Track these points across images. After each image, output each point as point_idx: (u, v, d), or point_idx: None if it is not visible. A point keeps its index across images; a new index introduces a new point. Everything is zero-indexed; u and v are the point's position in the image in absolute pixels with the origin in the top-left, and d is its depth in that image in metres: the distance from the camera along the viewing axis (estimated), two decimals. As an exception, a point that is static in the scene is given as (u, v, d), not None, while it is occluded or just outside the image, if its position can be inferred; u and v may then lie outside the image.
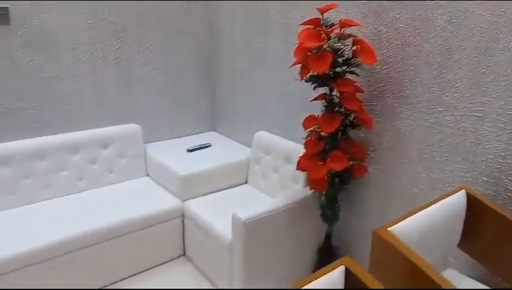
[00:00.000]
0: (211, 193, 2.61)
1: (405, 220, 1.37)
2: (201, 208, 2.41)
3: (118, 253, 2.28)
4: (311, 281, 1.08)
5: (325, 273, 1.12)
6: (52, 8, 2.36)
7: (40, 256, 1.99)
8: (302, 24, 1.84)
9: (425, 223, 1.43)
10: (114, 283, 2.31)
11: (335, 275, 1.11)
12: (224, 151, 2.87)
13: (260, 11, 2.59)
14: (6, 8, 2.23)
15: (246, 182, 2.79)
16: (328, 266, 1.17)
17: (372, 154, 2.10)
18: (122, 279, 2.35)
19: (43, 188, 2.43)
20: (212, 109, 3.27)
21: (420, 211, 1.43)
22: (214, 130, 3.33)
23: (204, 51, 3.09)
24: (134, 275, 2.40)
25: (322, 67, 1.74)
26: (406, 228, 1.35)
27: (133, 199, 2.50)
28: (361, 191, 2.20)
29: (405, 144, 1.93)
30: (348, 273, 1.15)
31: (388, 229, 1.30)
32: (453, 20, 1.64)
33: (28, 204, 2.38)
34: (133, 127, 2.78)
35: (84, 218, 2.22)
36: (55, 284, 2.07)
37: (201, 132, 3.27)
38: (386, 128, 2.00)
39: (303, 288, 1.04)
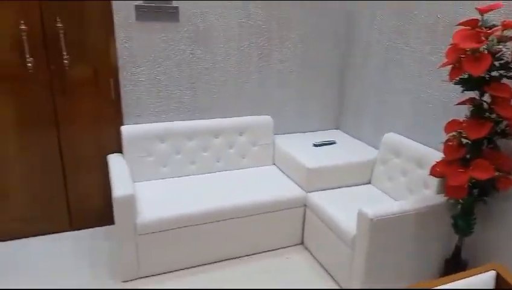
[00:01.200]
0: (334, 188, 2.68)
1: None
2: (324, 200, 2.51)
3: (242, 231, 2.51)
4: (459, 279, 1.08)
5: (473, 275, 1.11)
6: (212, 9, 2.70)
7: (186, 222, 2.33)
8: (459, 24, 1.79)
9: None
10: (235, 258, 2.55)
11: (486, 277, 1.09)
12: (349, 149, 2.92)
13: (403, 11, 2.56)
14: (177, 7, 2.63)
15: (369, 183, 2.80)
16: (474, 269, 1.16)
17: (522, 168, 1.93)
18: (244, 256, 2.58)
19: (189, 164, 2.81)
20: (340, 108, 3.33)
21: None
22: (338, 128, 3.39)
23: (339, 50, 3.17)
24: (254, 254, 2.61)
25: (478, 70, 1.67)
26: None
27: (261, 184, 2.72)
28: (502, 206, 2.04)
29: None
30: (498, 279, 1.12)
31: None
32: None
33: (177, 177, 2.78)
34: (266, 119, 3.01)
35: (218, 196, 2.51)
36: (190, 246, 2.39)
37: (326, 129, 3.36)
38: (544, 141, 1.82)
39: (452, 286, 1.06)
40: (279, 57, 3.00)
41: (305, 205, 2.65)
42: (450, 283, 1.05)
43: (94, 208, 2.80)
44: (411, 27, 2.51)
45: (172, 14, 2.64)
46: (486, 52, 1.70)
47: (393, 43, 2.67)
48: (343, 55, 3.19)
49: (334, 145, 3.00)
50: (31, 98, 2.48)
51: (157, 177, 2.73)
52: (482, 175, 1.80)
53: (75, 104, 2.59)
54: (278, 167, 3.02)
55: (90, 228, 2.83)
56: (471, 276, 1.06)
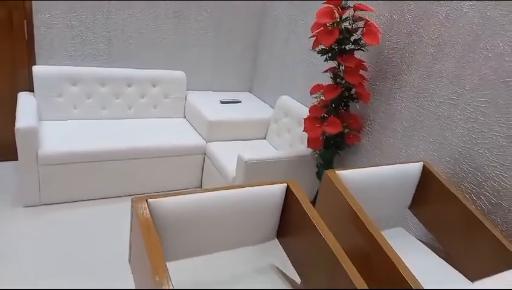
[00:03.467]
0: (231, 140, 3.03)
1: (357, 169, 1.69)
2: (219, 149, 2.85)
3: (147, 171, 2.80)
4: (262, 185, 1.46)
5: (270, 184, 1.49)
6: None
7: (89, 157, 2.56)
8: (325, 2, 2.14)
9: (377, 178, 1.73)
10: (138, 194, 2.85)
11: (277, 188, 1.48)
12: (251, 108, 3.27)
13: (303, -11, 2.89)
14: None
15: (265, 138, 3.18)
16: (274, 180, 1.54)
17: (367, 128, 2.38)
18: (145, 193, 2.89)
19: (100, 109, 3.01)
20: (252, 73, 3.66)
21: (376, 168, 1.74)
22: (250, 91, 3.73)
23: (255, 20, 3.45)
24: (155, 192, 2.92)
25: (328, 41, 2.05)
26: (356, 176, 1.67)
27: (167, 132, 3.00)
28: (352, 158, 2.50)
29: (394, 122, 2.19)
30: (288, 192, 1.51)
31: (336, 171, 1.63)
32: (450, 17, 1.86)
33: (86, 119, 2.97)
34: (180, 74, 3.26)
35: (123, 137, 2.76)
36: (93, 181, 2.64)
37: (239, 91, 3.68)
38: (381, 107, 2.27)
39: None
40: (197, 18, 3.23)
41: (204, 153, 2.99)
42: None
43: (3, 143, 2.94)
44: (307, 3, 2.85)
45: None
46: (335, 27, 2.08)
47: (295, 17, 3.01)
48: (257, 25, 3.48)
49: (239, 104, 3.34)
50: None
51: (67, 118, 2.91)
52: (331, 130, 2.22)
53: (-15, 39, 2.67)
54: (187, 120, 3.31)
55: (1, 161, 2.97)
56: (268, 185, 1.44)
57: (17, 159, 2.78)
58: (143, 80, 3.12)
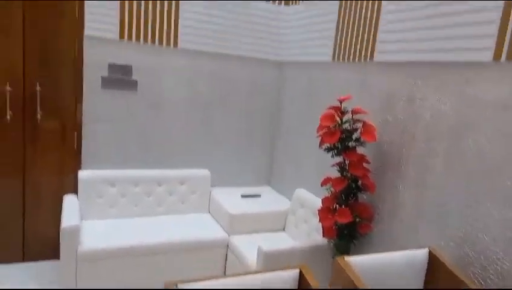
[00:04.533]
0: (252, 233, 3.22)
1: (367, 256, 1.84)
2: (241, 242, 3.03)
3: (175, 263, 2.98)
4: (273, 271, 1.63)
5: (281, 270, 1.66)
6: (165, 82, 3.41)
7: (122, 253, 2.80)
8: (328, 108, 2.51)
9: (387, 264, 1.86)
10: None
11: (290, 274, 1.64)
12: (270, 201, 3.51)
13: (311, 95, 3.33)
14: (136, 81, 3.33)
15: (284, 229, 3.35)
16: (286, 265, 1.70)
17: (377, 217, 2.54)
18: (173, 286, 3.02)
19: (133, 206, 3.33)
20: (269, 168, 3.98)
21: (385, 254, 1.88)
22: (269, 185, 4.00)
23: (271, 122, 3.89)
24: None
25: (332, 141, 2.36)
26: (365, 263, 1.81)
27: (194, 227, 3.24)
28: (368, 247, 2.62)
29: (400, 210, 2.36)
30: (301, 278, 1.67)
31: (346, 258, 1.79)
32: (434, 117, 2.15)
33: (120, 217, 3.28)
34: (205, 172, 3.61)
35: (156, 233, 3.01)
36: (127, 274, 2.83)
37: (258, 185, 3.97)
38: (386, 196, 2.46)
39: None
40: (220, 125, 3.69)
41: (227, 246, 3.16)
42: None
43: (48, 242, 3.24)
44: (313, 106, 3.26)
45: (132, 85, 3.33)
46: (338, 128, 2.40)
47: (303, 122, 3.41)
48: (273, 130, 3.90)
49: (258, 197, 3.59)
50: (5, 144, 3.04)
51: (104, 217, 3.23)
52: (342, 220, 2.41)
53: (42, 152, 3.16)
54: (211, 215, 3.56)
55: (42, 260, 3.24)
56: (276, 271, 1.61)
57: (57, 258, 3.04)
58: (172, 179, 3.48)
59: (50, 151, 3.18)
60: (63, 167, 3.24)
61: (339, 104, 2.49)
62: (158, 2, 3.24)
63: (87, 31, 3.07)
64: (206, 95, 3.59)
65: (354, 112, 2.43)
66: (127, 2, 3.14)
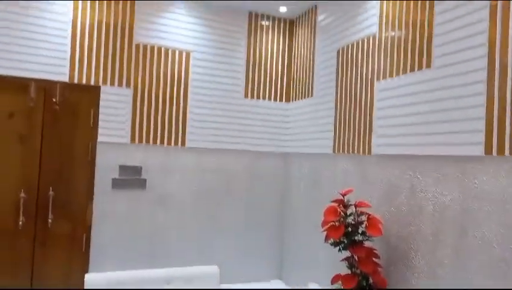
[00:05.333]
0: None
1: None
2: None
3: None
4: None
5: None
6: (172, 180, 3.52)
7: None
8: (332, 201, 2.53)
9: None
10: None
11: None
12: (282, 298, 3.35)
13: (315, 184, 3.38)
14: (145, 179, 3.45)
15: (298, 330, 3.15)
16: None
17: (393, 315, 2.40)
18: None
19: (140, 309, 3.22)
20: (280, 261, 3.87)
21: None
22: (280, 278, 3.86)
23: (278, 212, 3.89)
24: None
25: (337, 235, 2.34)
26: None
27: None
28: None
29: (416, 308, 2.24)
30: None
31: None
32: (437, 209, 2.15)
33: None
34: (213, 269, 3.53)
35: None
36: None
37: (269, 279, 3.82)
38: (401, 292, 2.35)
39: None
40: (228, 218, 3.70)
41: None
42: None
43: None
44: (321, 197, 3.29)
45: (141, 184, 3.44)
46: (343, 223, 2.39)
47: (311, 212, 3.41)
48: (281, 218, 3.90)
49: (270, 294, 3.45)
50: (15, 249, 3.07)
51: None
52: (356, 320, 2.27)
53: (51, 255, 3.17)
54: (221, 315, 3.40)
55: None
56: None
57: None
58: (180, 278, 3.39)
59: (58, 254, 3.19)
60: (71, 269, 3.22)
61: (342, 197, 2.52)
62: (167, 106, 3.50)
63: (100, 138, 3.28)
64: (213, 190, 3.66)
65: (357, 205, 2.44)
66: (138, 111, 3.39)
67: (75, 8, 3.23)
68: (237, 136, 3.73)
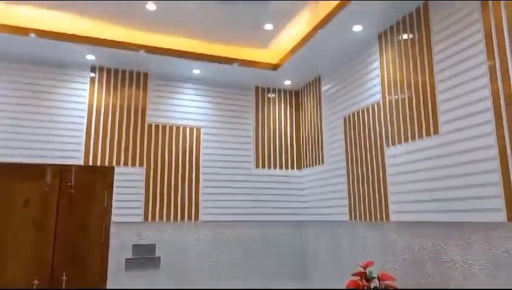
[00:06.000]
0: None
1: None
2: None
3: None
4: None
5: None
6: (186, 253, 3.43)
7: None
8: (353, 275, 2.42)
9: None
10: None
11: None
12: None
13: (335, 252, 3.25)
14: (159, 257, 3.37)
15: None
16: None
17: None
18: None
19: None
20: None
21: None
22: None
23: (296, 286, 3.72)
24: None
25: (362, 314, 2.19)
26: None
27: None
28: None
29: None
30: None
31: None
32: (467, 279, 2.03)
33: None
34: None
35: None
36: None
37: None
38: None
39: None
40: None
41: None
42: None
43: None
44: (339, 264, 3.15)
45: (155, 263, 3.36)
46: (367, 299, 2.26)
47: (332, 276, 3.25)
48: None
49: None
50: None
51: None
52: None
53: None
54: None
55: None
56: None
57: None
58: None
59: None
60: None
61: (363, 269, 2.41)
62: (180, 182, 3.53)
63: (114, 218, 3.27)
64: (229, 264, 3.55)
65: (381, 279, 2.33)
66: (151, 189, 3.43)
67: (91, 94, 3.41)
68: (250, 207, 3.70)
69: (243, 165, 3.77)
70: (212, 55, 3.43)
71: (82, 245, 3.22)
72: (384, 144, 2.75)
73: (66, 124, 3.30)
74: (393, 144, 2.66)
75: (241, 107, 3.88)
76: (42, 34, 2.97)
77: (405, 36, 2.61)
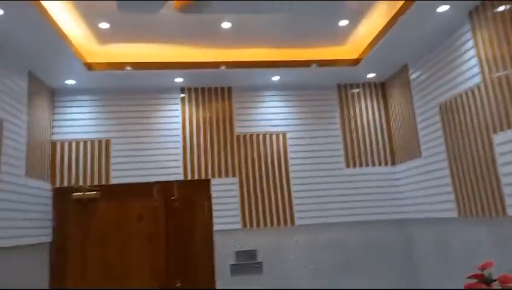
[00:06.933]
0: None
1: None
2: None
3: None
4: None
5: None
6: (286, 257, 3.49)
7: None
8: (468, 277, 2.22)
9: None
10: None
11: None
12: None
13: (443, 252, 3.02)
14: (261, 262, 3.49)
15: None
16: None
17: None
18: None
19: None
20: None
21: None
22: None
23: (406, 284, 3.53)
24: None
25: (485, 322, 1.99)
26: None
27: None
28: None
29: None
30: None
31: None
32: None
33: None
34: None
35: None
36: None
37: None
38: None
39: None
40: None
41: None
42: None
43: None
44: (450, 265, 2.90)
45: (258, 268, 3.48)
46: (489, 305, 2.04)
47: (441, 277, 3.02)
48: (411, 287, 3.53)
49: None
50: None
51: None
52: None
53: None
54: None
55: None
56: None
57: None
58: None
59: None
60: None
61: (480, 271, 2.19)
62: (271, 187, 3.61)
63: (216, 227, 3.48)
64: (329, 267, 3.52)
65: (503, 281, 2.09)
66: (245, 197, 3.57)
67: (183, 114, 3.68)
68: (345, 208, 3.62)
69: (333, 166, 3.70)
70: (290, 60, 3.45)
71: (190, 254, 3.49)
72: (491, 130, 2.47)
73: (164, 143, 3.61)
74: (502, 129, 2.37)
75: (325, 107, 3.83)
76: (136, 66, 3.30)
77: (501, 8, 2.31)
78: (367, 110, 3.86)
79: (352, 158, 3.74)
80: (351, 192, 3.66)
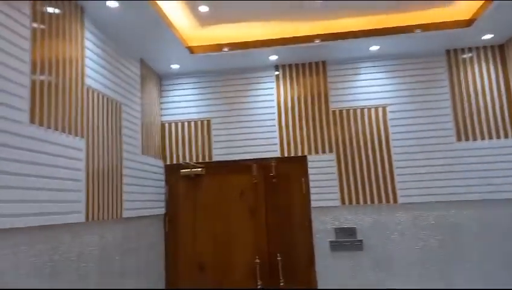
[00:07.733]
0: None
1: None
2: None
3: None
4: None
5: None
6: (389, 237, 3.36)
7: None
8: None
9: None
10: None
11: None
12: None
13: None
14: (361, 240, 3.41)
15: None
16: None
17: None
18: None
19: None
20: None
21: None
22: None
23: (528, 272, 3.15)
24: None
25: None
26: None
27: None
28: None
29: None
30: None
31: None
32: None
33: None
34: None
35: None
36: None
37: None
38: None
39: None
40: (462, 283, 3.22)
41: None
42: None
43: None
44: None
45: (358, 246, 3.42)
46: None
47: None
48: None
49: None
50: (257, 311, 3.47)
51: None
52: None
53: (285, 317, 3.42)
54: None
55: None
56: None
57: None
58: None
59: (291, 317, 3.41)
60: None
61: None
62: (371, 164, 3.46)
63: (313, 203, 3.49)
64: (436, 248, 3.29)
65: None
66: (344, 173, 3.49)
67: (278, 91, 3.70)
68: (457, 186, 3.32)
69: (441, 140, 3.40)
70: (390, 27, 3.20)
71: (289, 229, 3.56)
72: None
73: (260, 121, 3.68)
74: None
75: (431, 76, 3.50)
76: (232, 46, 3.39)
77: None
78: (482, 77, 3.43)
79: (464, 131, 3.38)
80: (462, 168, 3.33)
